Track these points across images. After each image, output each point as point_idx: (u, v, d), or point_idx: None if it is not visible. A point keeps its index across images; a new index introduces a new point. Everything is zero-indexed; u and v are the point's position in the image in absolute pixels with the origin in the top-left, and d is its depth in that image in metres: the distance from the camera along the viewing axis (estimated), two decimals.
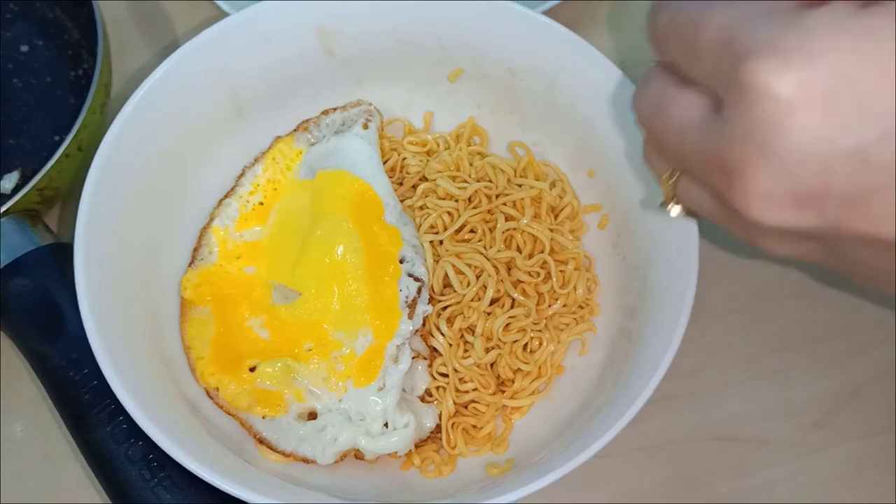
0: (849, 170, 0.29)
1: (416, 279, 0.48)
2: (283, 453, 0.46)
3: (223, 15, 0.62)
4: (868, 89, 0.28)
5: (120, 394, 0.40)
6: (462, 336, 0.48)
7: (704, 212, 0.37)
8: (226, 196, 0.52)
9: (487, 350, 0.48)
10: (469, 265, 0.49)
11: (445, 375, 0.48)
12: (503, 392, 0.48)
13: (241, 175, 0.53)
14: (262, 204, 0.52)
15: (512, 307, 0.49)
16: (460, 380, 0.48)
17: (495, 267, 0.49)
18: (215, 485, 0.39)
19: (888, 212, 0.29)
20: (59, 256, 0.51)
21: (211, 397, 0.47)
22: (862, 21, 0.28)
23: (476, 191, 0.51)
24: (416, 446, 0.47)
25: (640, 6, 0.67)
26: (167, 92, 0.49)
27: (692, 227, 0.45)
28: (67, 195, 0.57)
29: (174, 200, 0.51)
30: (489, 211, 0.51)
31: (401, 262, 0.49)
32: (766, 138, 0.29)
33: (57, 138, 0.59)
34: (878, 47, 0.28)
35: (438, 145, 0.54)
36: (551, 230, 0.51)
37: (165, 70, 0.48)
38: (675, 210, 0.39)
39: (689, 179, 0.37)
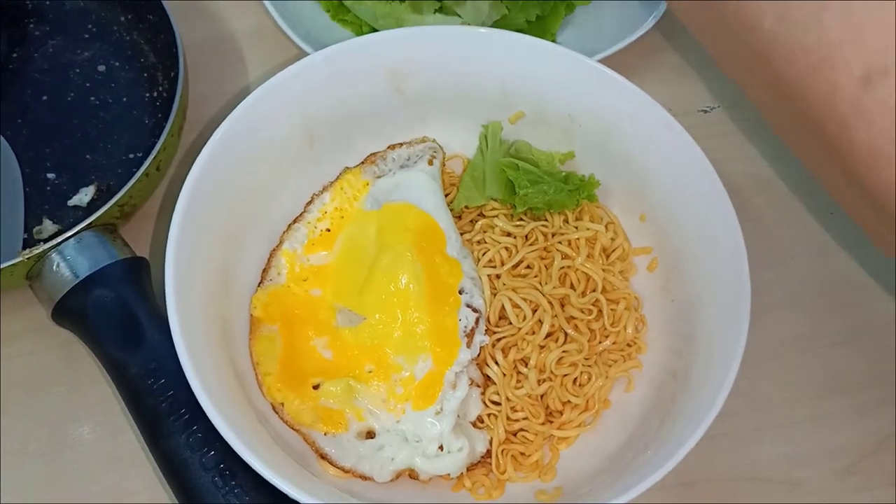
0: None
1: (475, 310, 0.51)
2: (343, 469, 0.48)
3: (290, 43, 0.65)
4: None
5: (203, 401, 0.42)
6: (515, 367, 0.51)
7: None
8: (295, 221, 0.55)
9: (540, 382, 0.50)
10: (525, 299, 0.51)
11: (497, 404, 0.51)
12: (552, 422, 0.51)
13: (311, 202, 0.56)
14: (328, 230, 0.55)
15: (565, 342, 0.51)
16: (512, 409, 0.50)
17: (550, 303, 0.51)
18: (284, 490, 0.42)
19: None
20: (136, 270, 0.54)
21: (276, 412, 0.50)
22: None
23: (533, 229, 0.54)
24: (468, 469, 0.49)
25: (688, 57, 0.70)
26: (249, 124, 0.52)
27: (744, 274, 0.47)
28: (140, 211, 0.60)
29: (248, 223, 0.53)
30: (545, 249, 0.53)
31: (460, 293, 0.51)
32: None
33: (132, 156, 0.62)
34: None
35: None
36: (603, 270, 0.53)
37: (249, 103, 0.52)
38: None
39: None
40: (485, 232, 0.54)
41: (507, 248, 0.53)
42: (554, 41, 0.63)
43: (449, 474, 0.49)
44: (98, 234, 0.54)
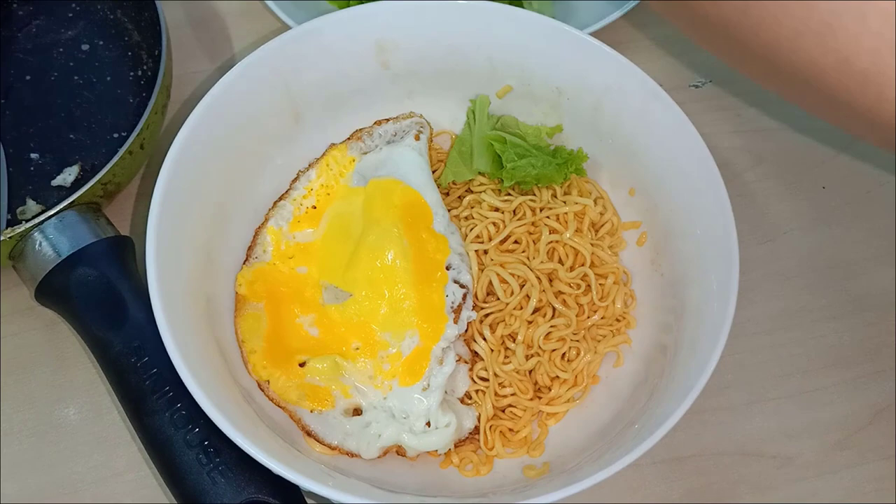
0: None
1: (462, 286, 0.50)
2: (330, 446, 0.48)
3: (276, 21, 0.64)
4: None
5: (186, 379, 0.42)
6: (503, 342, 0.50)
7: None
8: (280, 198, 0.55)
9: (528, 357, 0.50)
10: (513, 275, 0.51)
11: (485, 379, 0.50)
12: (540, 398, 0.50)
13: (296, 179, 0.55)
14: (314, 208, 0.54)
15: (553, 317, 0.51)
16: (500, 384, 0.50)
17: (538, 277, 0.51)
18: (270, 467, 0.41)
19: None
20: (120, 248, 0.53)
21: (262, 390, 0.49)
22: None
23: (521, 203, 0.53)
24: (455, 446, 0.49)
25: (678, 32, 0.69)
26: (232, 98, 0.51)
27: (733, 249, 0.47)
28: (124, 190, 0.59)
29: (232, 200, 0.53)
30: (533, 223, 0.53)
31: (447, 268, 0.51)
32: None
33: (116, 135, 0.61)
34: None
35: None
36: (592, 245, 0.53)
37: (231, 78, 0.51)
38: None
39: None
40: (472, 207, 0.54)
41: (494, 224, 0.53)
42: None
43: (437, 451, 0.48)
44: (80, 213, 0.53)
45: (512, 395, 0.50)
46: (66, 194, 0.55)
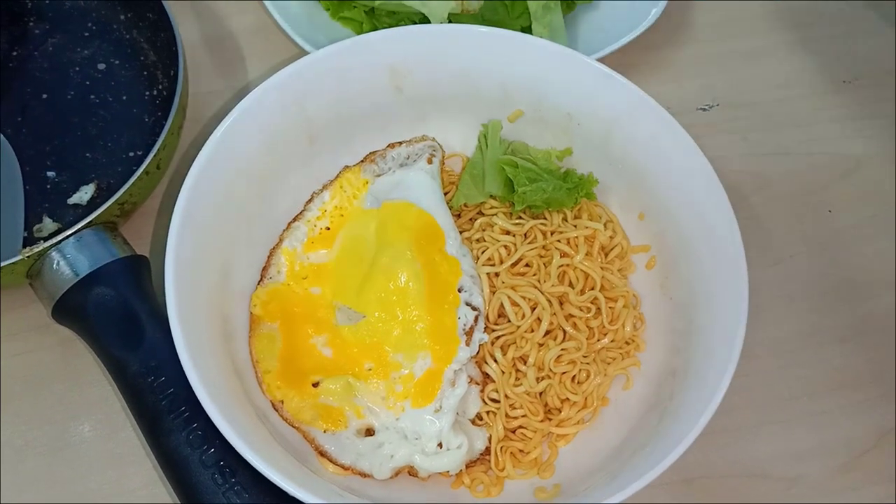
0: None
1: (474, 308, 0.51)
2: (343, 466, 0.49)
3: (288, 41, 0.65)
4: None
5: (203, 399, 0.43)
6: (514, 365, 0.51)
7: None
8: (294, 219, 0.55)
9: (539, 379, 0.50)
10: (524, 297, 0.51)
11: (496, 401, 0.51)
12: (550, 420, 0.51)
13: (310, 201, 0.56)
14: (328, 229, 0.55)
15: (564, 340, 0.51)
16: (511, 406, 0.50)
17: (549, 301, 0.51)
18: (284, 488, 0.42)
19: None
20: (136, 268, 0.54)
21: (276, 409, 0.50)
22: None
23: (532, 227, 0.54)
24: (467, 467, 0.50)
25: (687, 55, 0.70)
26: (249, 122, 0.52)
27: (742, 273, 0.47)
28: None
29: (248, 221, 0.54)
30: (544, 247, 0.54)
31: (459, 291, 0.51)
32: None
33: (132, 154, 0.62)
34: None
35: None
36: (602, 268, 0.53)
37: (249, 102, 0.52)
38: None
39: None
40: (484, 230, 0.54)
41: (506, 247, 0.53)
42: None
43: (448, 471, 0.49)
44: (98, 233, 0.54)
45: (523, 416, 0.50)
46: (83, 212, 0.55)
